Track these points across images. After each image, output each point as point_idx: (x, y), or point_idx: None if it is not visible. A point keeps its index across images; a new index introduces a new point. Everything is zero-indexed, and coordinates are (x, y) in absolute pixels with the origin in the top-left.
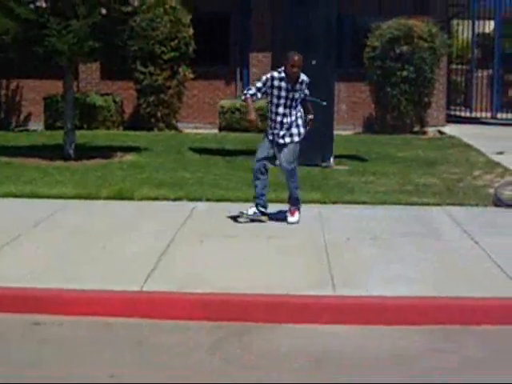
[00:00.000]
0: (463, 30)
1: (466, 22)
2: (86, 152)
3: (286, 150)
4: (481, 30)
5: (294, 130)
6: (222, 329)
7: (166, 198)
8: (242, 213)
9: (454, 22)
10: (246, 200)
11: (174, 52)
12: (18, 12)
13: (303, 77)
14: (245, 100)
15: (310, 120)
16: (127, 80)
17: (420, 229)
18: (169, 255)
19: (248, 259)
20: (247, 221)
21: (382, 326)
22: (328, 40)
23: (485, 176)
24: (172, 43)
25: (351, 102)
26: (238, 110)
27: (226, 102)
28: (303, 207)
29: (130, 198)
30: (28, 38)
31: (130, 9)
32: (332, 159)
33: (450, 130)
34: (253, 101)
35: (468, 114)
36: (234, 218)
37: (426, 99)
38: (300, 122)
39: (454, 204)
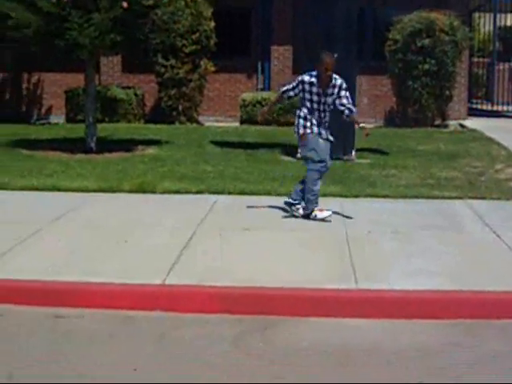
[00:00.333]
0: (485, 23)
1: (487, 14)
2: (108, 145)
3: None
4: (502, 23)
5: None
6: (244, 322)
7: (188, 192)
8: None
9: (476, 15)
10: (268, 193)
11: (195, 45)
12: (40, 5)
13: (336, 81)
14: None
15: (364, 130)
16: (148, 73)
17: (441, 222)
18: (190, 248)
19: (270, 252)
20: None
21: (404, 319)
22: (349, 33)
23: (507, 169)
24: (193, 36)
25: (373, 96)
26: (260, 103)
27: (247, 95)
28: (325, 200)
29: (152, 192)
30: (50, 32)
31: (151, 2)
32: (354, 153)
33: (472, 123)
34: (283, 98)
35: (489, 107)
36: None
37: (447, 92)
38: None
39: (475, 197)
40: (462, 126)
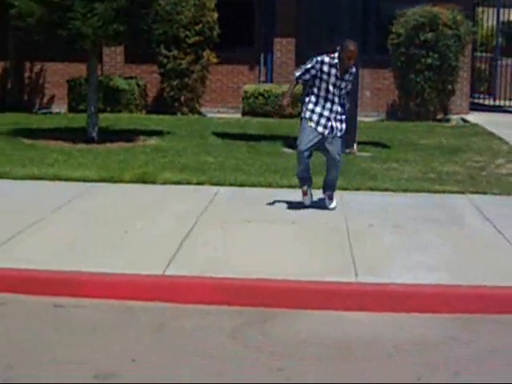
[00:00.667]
0: (488, 18)
1: (490, 9)
2: (109, 135)
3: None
4: (505, 18)
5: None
6: (243, 314)
7: (189, 183)
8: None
9: (479, 9)
10: (269, 185)
11: (198, 36)
12: None
13: (352, 69)
14: (296, 84)
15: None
16: (151, 64)
17: (442, 216)
18: (191, 239)
19: (270, 244)
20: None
21: (403, 313)
22: (353, 26)
23: (508, 164)
24: (196, 27)
25: (375, 89)
26: (262, 94)
27: (249, 87)
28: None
29: (153, 182)
30: (52, 21)
31: None
32: (355, 146)
33: (474, 117)
34: (298, 83)
35: (491, 102)
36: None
37: (449, 87)
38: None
39: (476, 192)
40: (464, 120)
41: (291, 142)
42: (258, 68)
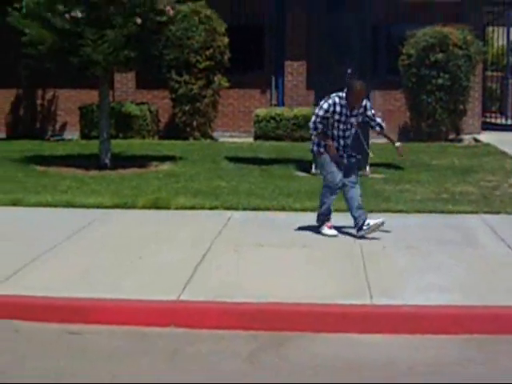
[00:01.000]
0: (498, 37)
1: (500, 28)
2: (122, 161)
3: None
4: None
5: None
6: (258, 338)
7: (202, 207)
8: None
9: (489, 29)
10: (282, 209)
11: (209, 61)
12: (54, 22)
13: (364, 102)
14: (318, 135)
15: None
16: (162, 89)
17: (456, 237)
18: (205, 264)
19: (284, 268)
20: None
21: (418, 335)
22: (363, 48)
23: None
24: (207, 52)
25: (386, 110)
26: (274, 118)
27: (261, 111)
28: (340, 215)
29: (166, 208)
30: (63, 48)
31: (165, 18)
32: (368, 168)
33: (486, 137)
34: (319, 133)
35: (503, 121)
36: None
37: (461, 107)
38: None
39: (490, 212)
40: (476, 140)
41: (304, 165)
42: (270, 92)
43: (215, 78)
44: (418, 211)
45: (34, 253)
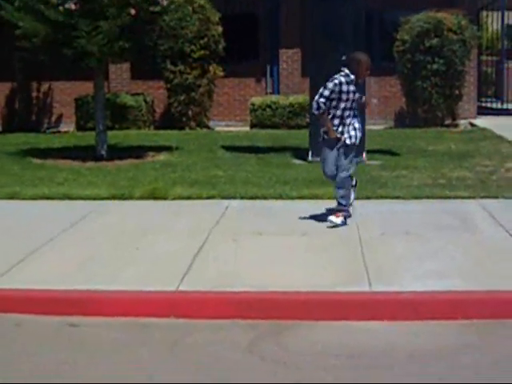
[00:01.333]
0: (492, 21)
1: (495, 13)
2: (118, 152)
3: (349, 153)
4: (510, 21)
5: (352, 133)
6: (258, 327)
7: (199, 197)
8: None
9: (483, 13)
10: (279, 197)
11: (203, 50)
12: (48, 14)
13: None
14: (320, 115)
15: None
16: (157, 79)
17: (454, 222)
18: (203, 254)
19: (283, 257)
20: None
21: (418, 321)
22: (357, 35)
23: None
24: (201, 41)
25: (382, 97)
26: (269, 106)
27: (256, 99)
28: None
29: (163, 198)
30: (57, 40)
31: (158, 8)
32: (364, 154)
33: (482, 122)
34: (324, 113)
35: (499, 106)
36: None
37: (456, 92)
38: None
39: (487, 197)
40: (472, 124)
41: (301, 153)
42: (265, 80)
43: (210, 68)
44: (415, 197)
45: (32, 246)
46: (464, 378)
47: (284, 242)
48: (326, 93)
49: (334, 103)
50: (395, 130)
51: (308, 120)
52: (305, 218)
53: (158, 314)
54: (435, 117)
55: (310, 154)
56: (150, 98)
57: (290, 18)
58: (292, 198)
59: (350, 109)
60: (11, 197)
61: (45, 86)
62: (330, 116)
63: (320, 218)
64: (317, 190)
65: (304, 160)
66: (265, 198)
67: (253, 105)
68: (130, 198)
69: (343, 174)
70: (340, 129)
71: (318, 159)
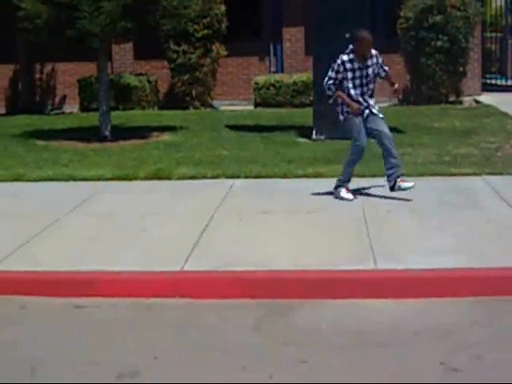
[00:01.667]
0: None
1: None
2: (122, 133)
3: (380, 117)
4: None
5: (372, 102)
6: (265, 307)
7: (204, 177)
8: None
9: None
10: (284, 176)
11: (206, 29)
12: None
13: (372, 51)
14: (334, 95)
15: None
16: (161, 59)
17: (459, 199)
18: (208, 234)
19: (288, 235)
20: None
21: (423, 298)
22: (361, 12)
23: None
24: (204, 21)
25: None
26: (273, 85)
27: (260, 78)
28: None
29: (168, 178)
30: (60, 21)
31: None
32: None
33: (486, 98)
34: (334, 93)
35: (503, 83)
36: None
37: (460, 68)
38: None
39: (492, 173)
40: (476, 101)
41: (305, 131)
42: (268, 59)
43: (213, 47)
44: (421, 174)
45: (37, 228)
46: (469, 356)
47: (289, 221)
48: (332, 74)
49: (345, 83)
50: (399, 108)
51: (312, 98)
52: (310, 196)
53: (163, 295)
54: (439, 94)
55: (314, 132)
56: (154, 78)
57: None
58: (297, 177)
59: (364, 85)
60: (16, 179)
61: (48, 68)
62: (349, 95)
63: (325, 196)
64: (321, 168)
65: (308, 138)
66: (269, 176)
67: (256, 84)
68: (135, 178)
69: (391, 137)
70: (364, 105)
71: (323, 137)
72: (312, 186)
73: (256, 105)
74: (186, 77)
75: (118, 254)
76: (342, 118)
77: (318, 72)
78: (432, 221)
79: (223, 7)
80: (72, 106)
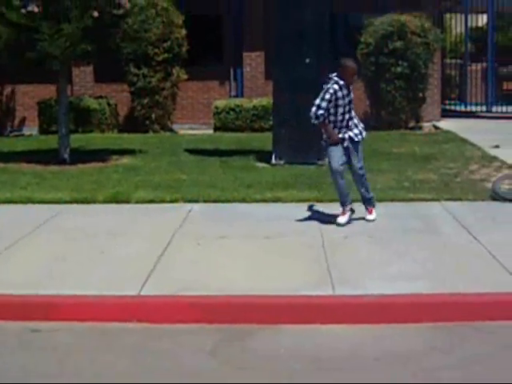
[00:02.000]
0: (456, 24)
1: (458, 15)
2: (82, 156)
3: (360, 148)
4: (474, 24)
5: (356, 130)
6: (222, 331)
7: (163, 201)
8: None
9: (447, 16)
10: (243, 200)
11: (167, 53)
12: (10, 17)
13: None
14: (321, 124)
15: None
16: (121, 82)
17: (418, 225)
18: (166, 258)
19: (246, 260)
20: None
21: (383, 324)
22: (321, 38)
23: (482, 170)
24: (165, 44)
25: None
26: (233, 109)
27: (220, 103)
28: (301, 206)
29: (127, 201)
30: (20, 43)
31: (121, 11)
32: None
33: (446, 124)
34: (329, 123)
35: (463, 108)
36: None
37: (420, 94)
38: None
39: (451, 199)
40: (436, 127)
41: (264, 156)
42: (229, 83)
43: (173, 71)
44: (380, 200)
45: None
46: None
47: (247, 246)
48: (323, 103)
49: (332, 111)
50: None
51: (271, 123)
52: (268, 221)
53: (120, 319)
54: (399, 119)
55: (273, 156)
56: (114, 101)
57: (253, 20)
58: (256, 201)
59: (349, 111)
60: None
61: (7, 90)
62: (330, 123)
63: (284, 221)
64: (280, 193)
65: (267, 163)
66: (228, 201)
67: (216, 108)
68: (93, 201)
69: (363, 170)
70: (344, 131)
71: (282, 162)
72: (271, 211)
73: (215, 129)
74: (145, 100)
75: (76, 277)
76: (323, 142)
77: (277, 97)
78: (390, 246)
79: (184, 31)
80: (31, 129)
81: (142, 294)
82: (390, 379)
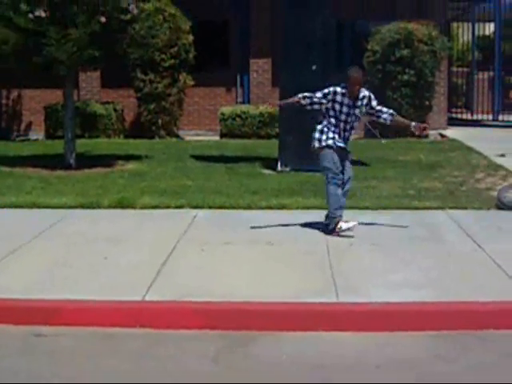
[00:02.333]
0: (463, 33)
1: (465, 24)
2: (87, 161)
3: (350, 157)
4: (481, 33)
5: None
6: (225, 338)
7: (168, 206)
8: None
9: (454, 24)
10: (248, 207)
11: (173, 59)
12: (17, 22)
13: (364, 92)
14: (299, 99)
15: (424, 128)
16: (128, 88)
17: (423, 233)
18: (171, 264)
19: (251, 267)
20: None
21: (386, 332)
22: (328, 45)
23: (487, 179)
24: (172, 50)
25: None
26: (239, 116)
27: (226, 109)
28: (306, 213)
29: (132, 207)
30: (27, 48)
31: (129, 17)
32: None
33: (452, 132)
34: (300, 101)
35: (469, 117)
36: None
37: (427, 102)
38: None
39: (456, 207)
40: (442, 135)
41: (270, 162)
42: (235, 89)
43: (180, 77)
44: (385, 208)
45: None
46: None
47: (252, 252)
48: (318, 94)
49: (330, 112)
50: (364, 141)
51: (278, 130)
52: (273, 227)
53: (124, 324)
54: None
55: (279, 163)
56: (120, 106)
57: (260, 27)
58: (261, 208)
59: (347, 123)
60: None
61: (14, 94)
62: (323, 123)
63: (288, 227)
64: (285, 200)
65: (273, 170)
66: (233, 207)
67: (223, 114)
68: (98, 206)
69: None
70: (330, 135)
71: (288, 169)
72: (275, 218)
73: (222, 135)
74: (152, 106)
75: (80, 283)
76: (316, 145)
77: None
78: (394, 254)
79: (191, 37)
80: (38, 133)
81: (146, 299)
82: None
